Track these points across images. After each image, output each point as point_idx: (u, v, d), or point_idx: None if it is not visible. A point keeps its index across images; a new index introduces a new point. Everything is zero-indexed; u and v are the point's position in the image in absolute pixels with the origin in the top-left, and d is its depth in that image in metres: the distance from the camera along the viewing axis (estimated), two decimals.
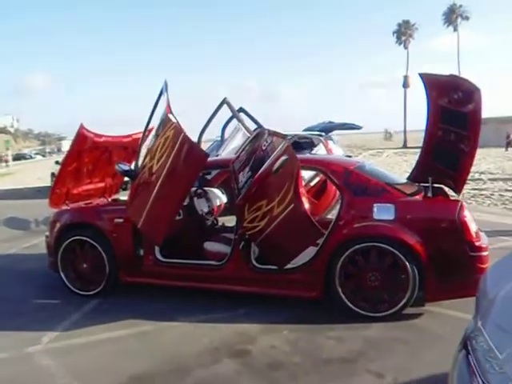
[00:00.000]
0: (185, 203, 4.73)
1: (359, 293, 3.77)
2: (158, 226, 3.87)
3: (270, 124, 4.36)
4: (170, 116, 3.78)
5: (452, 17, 51.76)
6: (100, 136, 5.06)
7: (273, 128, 4.10)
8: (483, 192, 11.64)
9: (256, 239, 3.77)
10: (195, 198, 5.10)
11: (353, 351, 3.27)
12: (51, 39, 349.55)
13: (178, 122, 3.70)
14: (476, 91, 3.54)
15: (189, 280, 4.29)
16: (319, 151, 7.91)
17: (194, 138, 4.33)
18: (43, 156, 68.38)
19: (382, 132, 67.93)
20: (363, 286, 3.75)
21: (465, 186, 4.27)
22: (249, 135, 4.66)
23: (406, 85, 52.45)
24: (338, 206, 4.14)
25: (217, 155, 6.12)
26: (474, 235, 3.60)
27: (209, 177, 5.87)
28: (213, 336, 3.60)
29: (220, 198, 5.41)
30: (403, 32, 52.52)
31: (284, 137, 3.67)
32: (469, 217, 3.65)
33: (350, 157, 8.64)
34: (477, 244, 3.59)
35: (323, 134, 9.60)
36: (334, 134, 10.99)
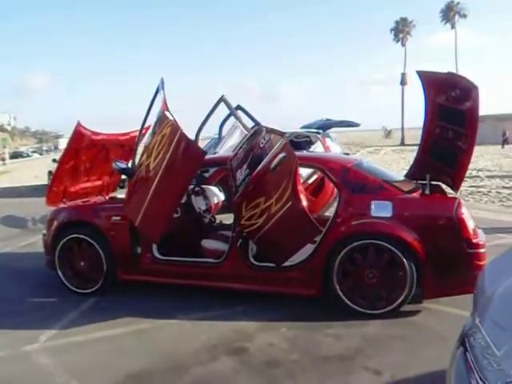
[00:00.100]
0: (182, 201, 4.73)
1: (357, 290, 3.77)
2: (156, 223, 3.86)
3: (269, 123, 4.35)
4: (167, 113, 3.77)
5: (450, 14, 51.75)
6: (97, 134, 5.05)
7: (271, 126, 4.09)
8: (481, 189, 11.66)
9: (254, 237, 3.76)
10: (193, 196, 5.09)
11: (351, 348, 3.27)
12: (50, 38, 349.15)
13: (174, 119, 3.69)
14: (474, 89, 3.54)
15: (186, 278, 4.28)
16: (317, 149, 7.90)
17: (192, 136, 4.32)
18: (40, 154, 68.18)
19: (380, 129, 67.93)
20: (361, 284, 3.75)
21: (462, 184, 4.27)
22: (246, 133, 4.65)
23: (403, 82, 52.52)
24: (335, 204, 4.14)
25: (214, 153, 6.12)
26: (471, 232, 3.61)
27: (206, 174, 5.87)
28: (210, 334, 3.60)
29: (218, 195, 5.40)
30: (401, 29, 52.51)
31: (282, 134, 3.66)
32: (466, 214, 3.65)
33: (347, 154, 8.65)
34: (474, 241, 3.59)
35: (321, 131, 9.60)
36: (332, 131, 11.00)
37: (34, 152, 71.47)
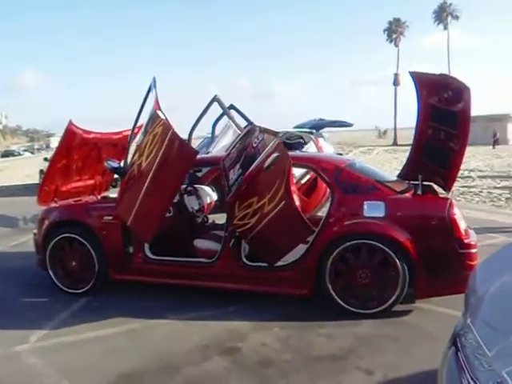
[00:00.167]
0: (175, 200, 4.71)
1: (349, 290, 3.78)
2: (148, 223, 3.84)
3: (263, 122, 4.35)
4: (159, 112, 3.75)
5: (442, 15, 52.04)
6: (89, 132, 5.02)
7: (264, 126, 4.08)
8: (472, 189, 11.75)
9: (246, 236, 3.76)
10: (185, 196, 5.08)
11: (343, 348, 3.28)
12: (46, 37, 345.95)
13: (166, 118, 3.67)
14: (465, 90, 3.56)
15: (179, 278, 4.27)
16: (310, 149, 7.91)
17: (184, 135, 4.31)
18: (32, 153, 67.59)
19: (373, 129, 68.27)
20: (353, 284, 3.76)
21: (454, 184, 4.30)
22: (239, 132, 4.65)
23: (396, 83, 52.75)
24: (328, 204, 4.15)
25: (207, 152, 6.11)
26: (463, 232, 3.63)
27: (199, 174, 5.85)
28: (203, 334, 3.59)
29: (210, 195, 5.39)
30: (394, 30, 52.75)
31: (275, 134, 3.66)
32: (458, 214, 3.67)
33: (340, 154, 8.66)
34: (466, 241, 3.61)
35: (314, 131, 9.61)
36: (325, 131, 11.02)
37: (25, 151, 70.86)
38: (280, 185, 3.39)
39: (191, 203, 5.07)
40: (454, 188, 4.69)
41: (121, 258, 4.38)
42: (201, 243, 4.60)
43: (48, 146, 68.32)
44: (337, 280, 3.78)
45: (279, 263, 3.85)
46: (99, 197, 5.41)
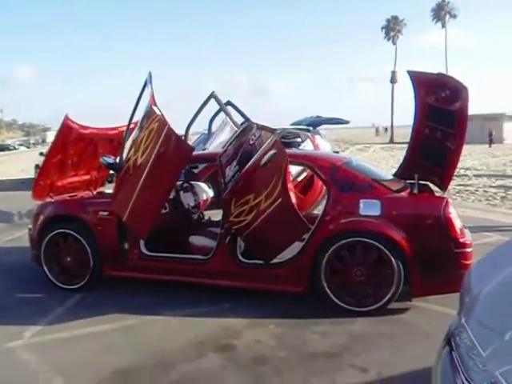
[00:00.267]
0: (171, 197, 4.70)
1: (344, 288, 3.79)
2: (143, 219, 3.83)
3: (260, 119, 4.34)
4: (155, 108, 3.73)
5: (440, 13, 52.13)
6: (85, 128, 4.99)
7: (261, 122, 4.07)
8: (468, 188, 11.78)
9: (242, 233, 3.75)
10: (181, 192, 5.07)
11: (338, 346, 3.28)
12: (42, 33, 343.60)
13: (162, 114, 3.66)
14: (463, 89, 3.56)
15: (174, 274, 4.26)
16: (306, 147, 7.90)
17: (180, 131, 4.30)
18: (27, 147, 67.20)
19: (370, 127, 68.45)
20: (348, 281, 3.77)
21: (450, 183, 4.30)
22: (236, 129, 4.63)
23: (393, 80, 52.82)
24: (324, 202, 4.15)
25: (204, 149, 6.08)
26: (458, 232, 3.64)
27: (196, 171, 5.84)
28: (198, 330, 3.58)
29: (206, 192, 5.38)
30: (392, 28, 52.79)
31: (273, 131, 3.65)
32: (454, 213, 3.68)
33: (337, 152, 8.66)
34: (461, 240, 3.62)
35: (311, 128, 9.60)
36: (322, 128, 11.01)
37: (20, 145, 70.44)
38: (277, 182, 3.38)
39: (187, 200, 5.06)
40: (450, 186, 4.69)
41: (116, 254, 4.36)
42: (196, 240, 4.60)
43: (44, 141, 67.87)
44: (332, 278, 3.79)
45: (275, 260, 3.85)
46: (95, 192, 5.40)
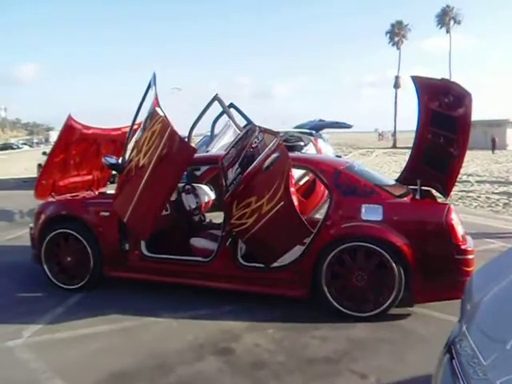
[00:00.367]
0: (172, 199, 4.70)
1: (345, 292, 3.77)
2: (145, 220, 3.83)
3: (267, 122, 4.34)
4: (158, 109, 3.74)
5: (445, 19, 52.08)
6: (88, 128, 4.99)
7: (267, 126, 4.07)
8: (470, 194, 11.75)
9: (243, 236, 3.74)
10: (183, 194, 5.06)
11: (337, 351, 3.27)
12: (50, 30, 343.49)
13: (165, 115, 3.66)
14: (466, 95, 3.55)
15: (174, 276, 4.25)
16: (309, 150, 7.90)
17: (183, 133, 4.30)
18: (30, 146, 67.43)
19: (373, 131, 68.45)
20: (349, 286, 3.75)
21: (453, 189, 4.29)
22: (239, 132, 4.63)
23: (397, 85, 52.78)
24: (326, 206, 4.14)
25: (207, 151, 6.09)
26: (460, 238, 3.62)
27: (198, 173, 5.84)
28: (197, 333, 3.57)
29: (208, 194, 5.38)
30: (396, 32, 52.73)
31: (276, 134, 3.64)
32: (456, 220, 3.66)
33: (339, 156, 8.66)
34: (463, 247, 3.61)
35: (313, 132, 9.61)
36: (325, 132, 11.03)
37: (24, 144, 70.68)
38: (279, 185, 3.38)
39: (189, 201, 5.06)
40: (452, 192, 4.68)
41: (116, 255, 4.36)
42: (197, 242, 4.59)
43: (47, 140, 68.11)
44: (332, 282, 3.77)
45: (275, 264, 3.84)
46: (96, 192, 5.40)
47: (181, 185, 4.94)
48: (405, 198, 3.94)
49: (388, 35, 53.44)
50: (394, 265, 3.63)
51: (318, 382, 2.90)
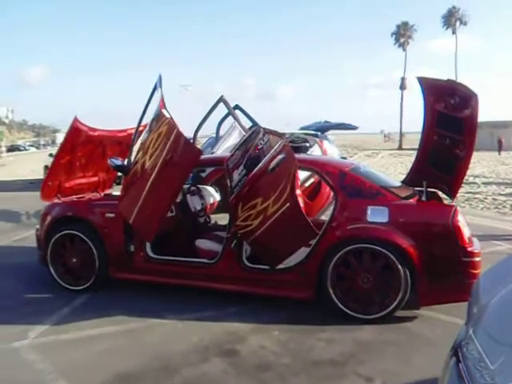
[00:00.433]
0: (178, 200, 4.70)
1: (350, 294, 3.76)
2: (150, 222, 3.83)
3: (271, 124, 4.33)
4: (164, 111, 3.74)
5: (451, 20, 51.90)
6: (94, 130, 5.02)
7: (272, 127, 4.06)
8: (477, 196, 11.68)
9: (249, 238, 3.74)
10: (188, 195, 5.07)
11: (343, 353, 3.25)
12: (58, 31, 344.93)
13: (171, 117, 3.66)
14: (473, 96, 3.54)
15: (179, 278, 4.25)
16: (314, 151, 7.89)
17: (188, 134, 4.30)
18: (37, 148, 67.89)
19: (378, 133, 68.27)
20: (355, 288, 3.74)
21: (459, 190, 4.26)
22: (244, 133, 4.63)
23: (402, 87, 52.65)
24: (331, 208, 4.12)
25: (212, 153, 6.09)
26: (466, 240, 3.59)
27: (203, 174, 5.84)
28: (202, 335, 3.57)
29: (213, 196, 5.38)
30: (402, 34, 52.60)
31: (281, 135, 3.64)
32: (462, 222, 3.64)
33: (345, 158, 8.64)
34: (469, 249, 3.58)
35: (319, 133, 9.60)
36: (330, 133, 11.01)
37: (30, 146, 71.20)
38: (285, 187, 3.37)
39: (194, 203, 5.06)
40: (458, 194, 4.65)
41: (122, 256, 4.37)
42: (202, 243, 4.59)
43: (54, 142, 68.52)
44: (338, 284, 3.76)
45: (281, 266, 3.83)
46: (102, 194, 5.41)
47: (186, 186, 4.94)
48: (411, 200, 3.92)
49: (393, 36, 53.35)
50: (399, 267, 3.61)
51: None
